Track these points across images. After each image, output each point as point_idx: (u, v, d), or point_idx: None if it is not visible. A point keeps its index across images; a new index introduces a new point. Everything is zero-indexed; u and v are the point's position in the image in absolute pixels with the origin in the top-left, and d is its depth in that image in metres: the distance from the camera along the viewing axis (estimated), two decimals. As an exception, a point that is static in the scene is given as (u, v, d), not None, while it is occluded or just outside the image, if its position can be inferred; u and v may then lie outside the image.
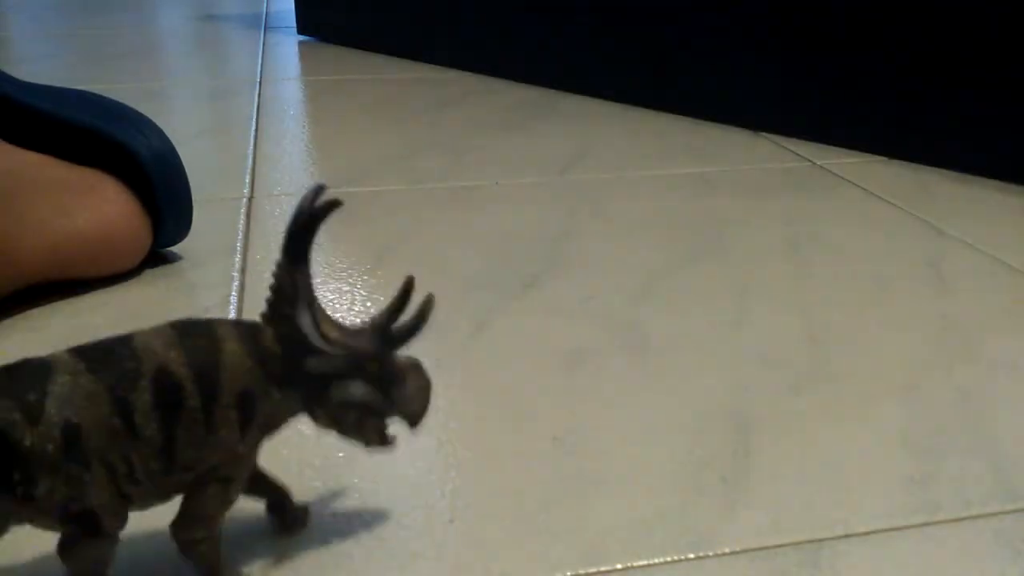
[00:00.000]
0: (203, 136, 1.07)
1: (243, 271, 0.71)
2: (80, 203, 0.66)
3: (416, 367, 0.40)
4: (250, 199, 0.87)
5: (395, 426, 0.43)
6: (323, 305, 0.38)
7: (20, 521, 0.34)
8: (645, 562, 0.42)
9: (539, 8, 1.28)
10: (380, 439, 0.40)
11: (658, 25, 1.16)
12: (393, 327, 0.39)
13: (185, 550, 0.37)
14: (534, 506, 0.45)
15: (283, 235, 0.37)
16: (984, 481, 0.47)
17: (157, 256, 0.73)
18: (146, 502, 0.36)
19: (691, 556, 0.42)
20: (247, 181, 0.92)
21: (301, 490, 0.46)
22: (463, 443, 0.50)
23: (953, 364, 0.59)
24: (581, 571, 0.41)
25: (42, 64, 1.46)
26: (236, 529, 0.43)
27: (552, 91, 1.30)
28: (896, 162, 1.00)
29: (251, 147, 1.03)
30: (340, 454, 0.49)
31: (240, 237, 0.78)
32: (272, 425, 0.38)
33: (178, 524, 0.37)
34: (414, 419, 0.40)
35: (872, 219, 0.84)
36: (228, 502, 0.37)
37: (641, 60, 1.20)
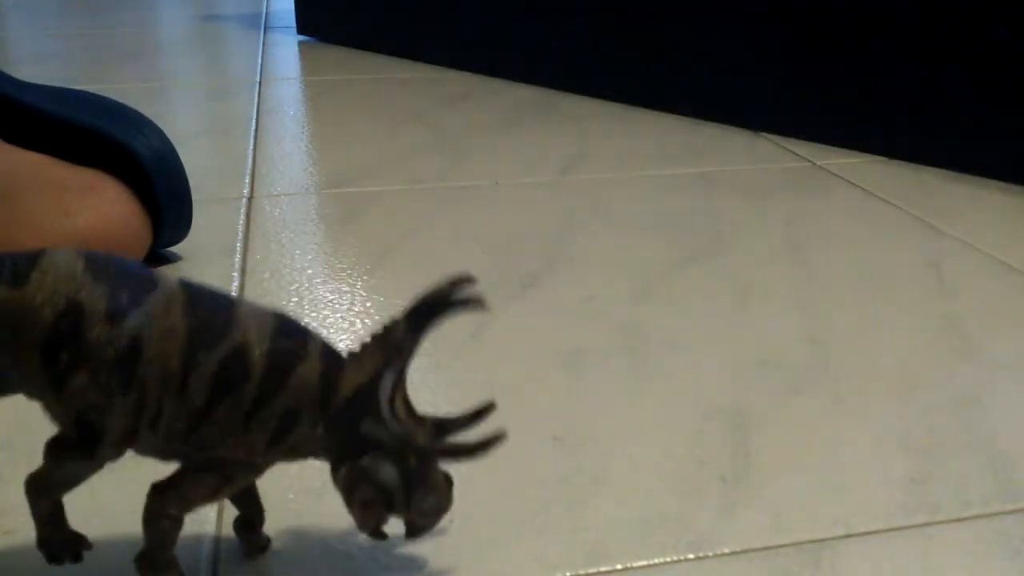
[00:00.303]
0: (203, 136, 1.07)
1: (243, 271, 0.71)
2: (80, 203, 0.66)
3: (447, 485, 0.39)
4: (250, 199, 0.87)
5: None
6: (406, 381, 0.37)
7: (38, 397, 0.34)
8: (645, 562, 0.42)
9: (539, 8, 1.28)
10: (375, 529, 0.38)
11: (658, 25, 1.16)
12: (451, 438, 0.38)
13: (150, 516, 0.36)
14: (534, 506, 0.45)
15: (418, 299, 0.36)
16: (984, 481, 0.47)
17: (157, 256, 0.73)
18: (147, 451, 0.36)
19: (691, 556, 0.42)
20: (247, 181, 0.92)
21: (301, 489, 0.46)
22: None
23: (953, 364, 0.59)
24: (581, 571, 0.41)
25: (42, 64, 1.46)
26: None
27: (552, 91, 1.30)
28: (896, 162, 1.00)
29: (251, 147, 1.03)
30: (340, 454, 0.49)
31: (240, 237, 0.78)
32: (296, 453, 0.37)
33: (160, 489, 0.36)
34: (416, 532, 0.39)
35: (872, 219, 0.84)
36: (215, 498, 0.36)
37: (641, 60, 1.20)
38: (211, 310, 0.34)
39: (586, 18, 1.23)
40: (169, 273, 0.35)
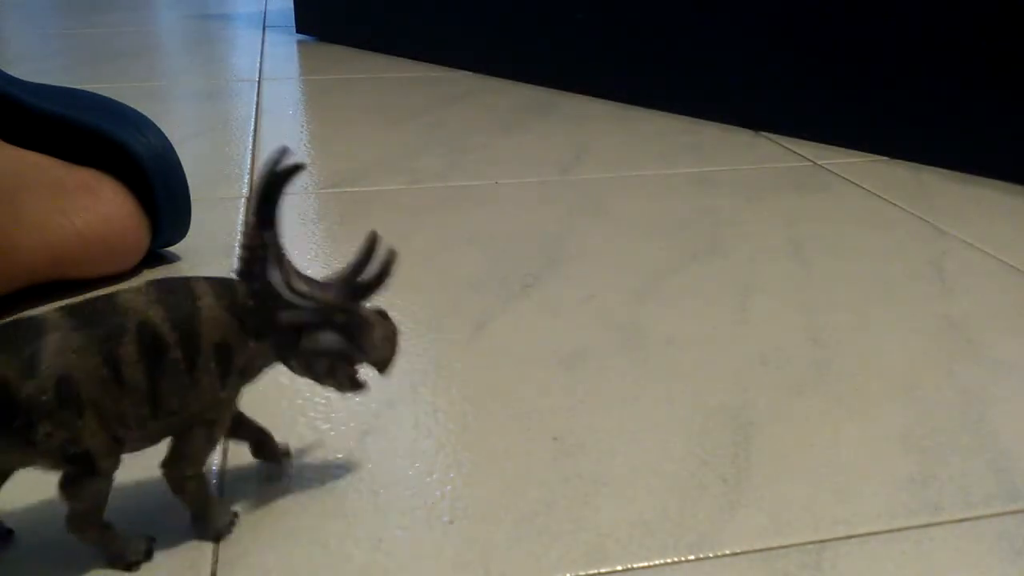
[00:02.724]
0: (202, 136, 1.07)
1: (242, 271, 0.71)
2: (79, 203, 0.66)
3: (382, 316, 0.43)
4: (249, 199, 0.86)
5: (392, 420, 0.43)
6: (293, 262, 0.40)
7: (25, 464, 0.37)
8: (645, 563, 0.41)
9: (539, 8, 1.28)
10: (352, 384, 0.43)
11: (658, 25, 1.16)
12: (358, 280, 0.41)
13: (175, 488, 0.41)
14: (534, 506, 0.45)
15: (252, 198, 0.39)
16: (986, 481, 0.47)
17: (156, 256, 0.73)
18: (138, 445, 0.39)
19: (691, 557, 0.42)
20: (246, 181, 0.91)
21: (299, 494, 0.46)
22: (463, 444, 0.50)
23: (955, 364, 0.59)
24: (581, 572, 0.41)
25: (41, 63, 1.46)
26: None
27: (552, 90, 1.30)
28: (897, 162, 1.00)
29: (250, 147, 1.03)
30: (339, 455, 0.49)
31: (239, 237, 0.77)
32: (250, 372, 0.41)
33: (168, 463, 0.40)
34: (382, 365, 0.43)
35: (873, 219, 0.83)
36: (213, 442, 0.40)
37: (641, 60, 1.20)
38: (98, 314, 0.38)
39: (586, 18, 1.23)
40: (43, 311, 0.38)
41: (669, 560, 0.42)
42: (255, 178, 0.38)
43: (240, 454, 0.48)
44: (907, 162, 1.00)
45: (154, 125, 0.71)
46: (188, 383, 0.38)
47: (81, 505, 0.38)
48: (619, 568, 0.41)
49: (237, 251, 0.41)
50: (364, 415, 0.52)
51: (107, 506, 0.39)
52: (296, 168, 0.39)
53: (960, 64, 0.93)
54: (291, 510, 0.45)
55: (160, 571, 0.41)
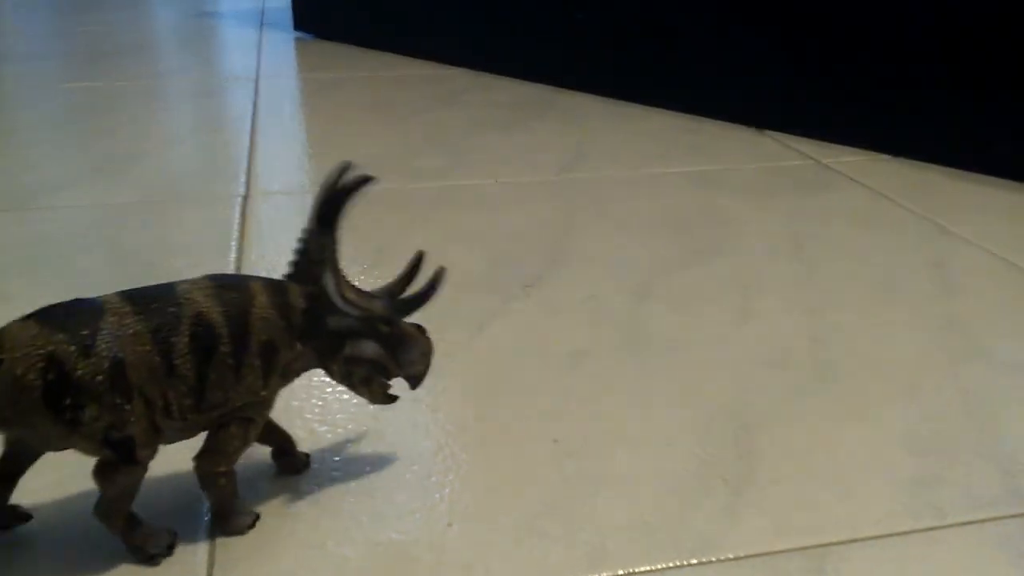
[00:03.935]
0: (199, 133, 1.06)
1: (239, 268, 0.70)
2: None
3: (421, 332, 0.44)
4: (246, 197, 0.86)
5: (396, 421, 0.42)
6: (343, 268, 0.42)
7: (62, 446, 0.38)
8: (647, 567, 0.41)
9: (539, 6, 1.28)
10: (384, 396, 0.44)
11: (659, 23, 1.16)
12: (404, 295, 0.43)
13: (205, 482, 0.41)
14: (534, 509, 0.44)
15: (314, 203, 0.40)
16: (991, 484, 0.47)
17: (154, 256, 0.73)
18: (175, 436, 0.40)
19: (694, 561, 0.41)
20: (243, 179, 0.91)
21: (297, 496, 0.45)
22: (462, 445, 0.49)
23: (958, 364, 0.58)
24: (582, 576, 0.40)
25: (40, 62, 1.45)
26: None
27: (552, 88, 1.29)
28: (900, 160, 0.99)
29: (247, 145, 1.02)
30: (336, 458, 0.48)
31: (236, 235, 0.77)
32: (290, 374, 0.42)
33: (202, 457, 0.41)
34: (416, 380, 0.45)
35: (876, 217, 0.83)
36: (248, 441, 0.41)
37: (641, 58, 1.19)
38: (157, 301, 0.39)
39: (585, 16, 1.22)
40: (105, 294, 0.39)
41: (671, 564, 0.41)
42: (318, 187, 0.41)
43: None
44: (911, 160, 0.99)
45: None
46: (233, 379, 0.39)
47: (114, 492, 0.39)
48: (620, 572, 0.41)
49: (292, 253, 0.42)
50: (362, 417, 0.52)
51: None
52: (365, 180, 0.41)
53: (964, 63, 0.93)
54: (289, 512, 0.44)
55: (157, 572, 0.40)
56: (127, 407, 0.37)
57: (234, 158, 0.97)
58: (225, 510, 0.42)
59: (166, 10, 2.03)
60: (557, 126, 1.10)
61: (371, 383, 0.43)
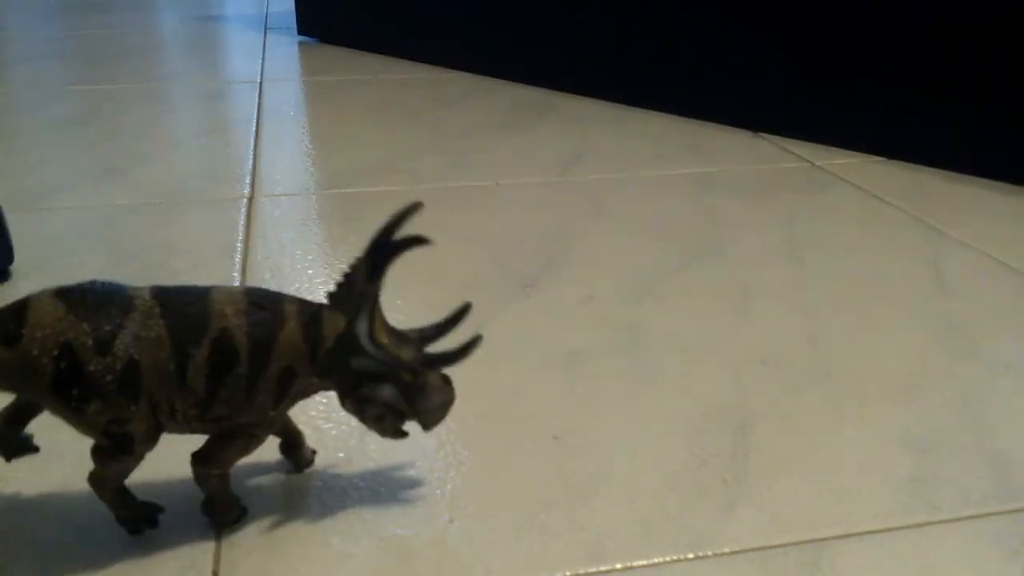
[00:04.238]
0: (203, 136, 1.07)
1: (243, 271, 0.71)
2: None
3: (445, 384, 0.43)
4: (250, 199, 0.87)
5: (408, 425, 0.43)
6: (382, 310, 0.42)
7: (68, 423, 0.38)
8: (645, 562, 0.42)
9: (539, 9, 1.28)
10: (395, 434, 0.43)
11: (658, 26, 1.16)
12: (438, 351, 0.41)
13: (199, 481, 0.42)
14: (534, 506, 0.45)
15: (369, 243, 0.39)
16: (984, 481, 0.47)
17: (158, 257, 0.73)
18: (177, 431, 0.40)
19: (691, 556, 0.42)
20: (247, 181, 0.92)
21: (301, 493, 0.46)
22: (463, 443, 0.50)
23: (953, 364, 0.59)
24: (581, 571, 0.41)
25: (43, 64, 1.46)
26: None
27: (552, 91, 1.30)
28: (895, 163, 1.00)
29: (251, 147, 1.03)
30: (340, 455, 0.49)
31: (240, 237, 0.78)
32: (302, 396, 0.42)
33: (199, 458, 0.41)
34: (429, 425, 0.43)
35: (871, 219, 0.84)
36: (247, 453, 0.41)
37: (641, 61, 1.20)
38: (186, 307, 0.39)
39: (586, 19, 1.23)
40: (144, 285, 0.40)
41: (668, 559, 0.42)
42: (379, 228, 0.40)
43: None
44: (905, 163, 1.00)
45: None
46: (244, 398, 0.39)
47: (108, 473, 0.40)
48: (619, 566, 0.41)
49: (338, 277, 0.41)
50: (365, 415, 0.52)
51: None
52: (419, 241, 0.40)
53: (959, 66, 0.93)
54: (293, 509, 0.45)
55: (162, 569, 0.41)
56: (132, 408, 0.37)
57: (238, 160, 0.98)
58: (215, 501, 0.43)
59: (170, 13, 2.04)
60: (557, 128, 1.11)
61: (383, 422, 0.42)
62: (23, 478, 0.46)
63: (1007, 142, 0.93)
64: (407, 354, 0.41)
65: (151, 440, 0.39)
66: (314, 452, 0.48)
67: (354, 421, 0.52)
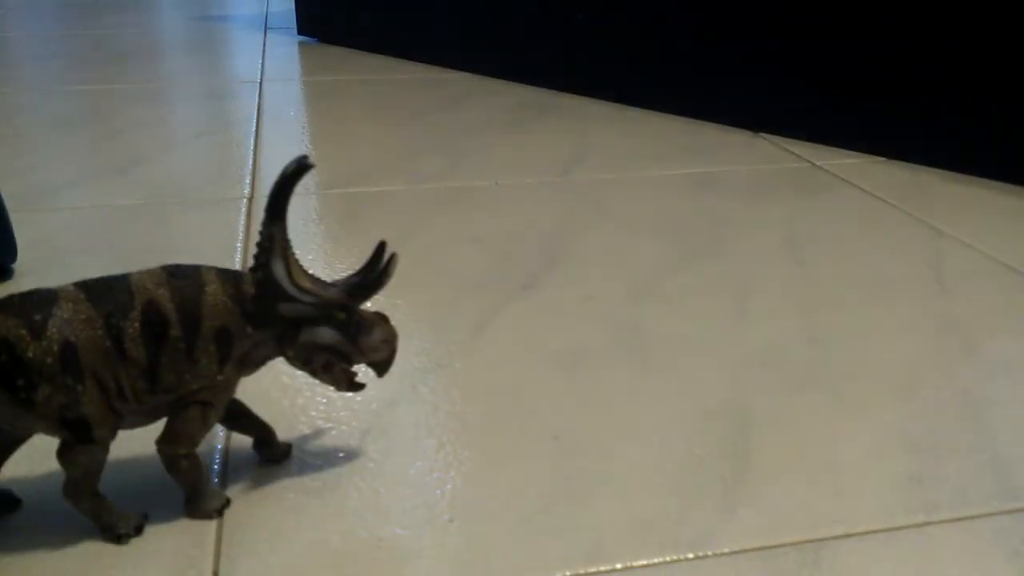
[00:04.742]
0: (204, 136, 1.07)
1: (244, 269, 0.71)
2: None
3: (382, 320, 0.45)
4: (250, 199, 0.87)
5: (400, 433, 0.43)
6: (298, 259, 0.43)
7: (24, 424, 0.39)
8: (645, 561, 0.42)
9: (539, 9, 1.29)
10: (348, 384, 0.45)
11: (658, 26, 1.16)
12: (357, 281, 0.43)
13: (169, 466, 0.43)
14: (534, 505, 0.45)
15: (269, 194, 0.41)
16: (983, 481, 0.47)
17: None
18: (136, 420, 0.41)
19: (691, 556, 0.42)
20: (248, 181, 0.92)
21: (301, 492, 0.46)
22: (463, 442, 0.50)
23: (952, 364, 0.59)
24: (581, 571, 0.41)
25: (43, 65, 1.46)
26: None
27: (552, 91, 1.30)
28: (895, 163, 1.00)
29: (251, 147, 1.03)
30: (340, 454, 0.49)
31: (241, 237, 0.78)
32: (249, 362, 0.43)
33: (163, 440, 0.42)
34: (380, 367, 0.45)
35: (871, 220, 0.84)
36: (207, 425, 0.42)
37: (641, 61, 1.20)
38: (110, 289, 0.40)
39: (586, 19, 1.23)
40: (63, 284, 0.41)
41: (668, 558, 0.42)
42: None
43: (244, 447, 0.49)
44: (905, 163, 1.00)
45: None
46: (186, 363, 0.40)
47: (76, 472, 0.40)
48: (619, 566, 0.41)
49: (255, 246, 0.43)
50: (365, 414, 0.53)
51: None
52: (304, 167, 0.41)
53: (958, 66, 0.93)
54: (293, 508, 0.45)
55: (163, 568, 0.41)
56: (79, 388, 0.38)
57: (239, 160, 0.98)
58: (193, 494, 0.43)
59: (171, 14, 2.04)
60: (557, 129, 1.11)
61: (332, 370, 0.44)
62: (23, 478, 0.46)
63: (1007, 142, 0.93)
64: (332, 293, 0.42)
65: (107, 424, 0.40)
66: (289, 446, 0.48)
67: (355, 421, 0.52)
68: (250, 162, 0.98)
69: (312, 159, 0.42)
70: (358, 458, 0.49)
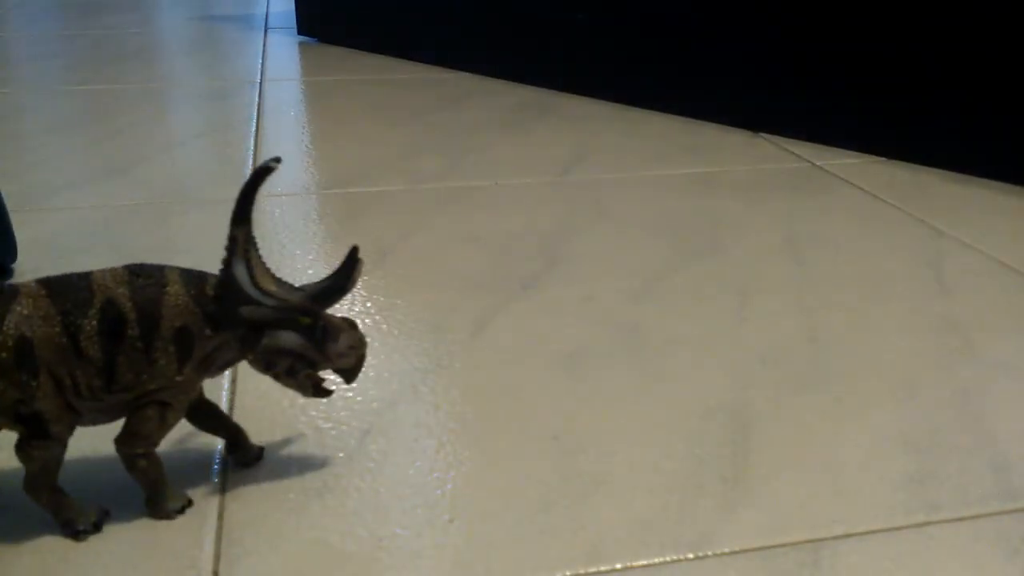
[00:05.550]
0: (203, 136, 1.07)
1: (243, 271, 0.71)
2: None
3: (350, 326, 0.44)
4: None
5: (396, 433, 0.43)
6: (264, 262, 0.43)
7: None
8: (645, 562, 0.42)
9: (539, 9, 1.29)
10: (315, 389, 0.44)
11: (658, 26, 1.16)
12: (322, 285, 0.42)
13: (128, 464, 0.43)
14: (534, 506, 0.45)
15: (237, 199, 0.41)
16: (984, 481, 0.47)
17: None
18: (93, 418, 0.41)
19: (691, 556, 0.42)
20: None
21: (301, 493, 0.46)
22: (463, 443, 0.50)
23: (952, 364, 0.59)
24: (581, 571, 0.41)
25: (43, 65, 1.46)
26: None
27: (552, 91, 1.30)
28: (894, 163, 1.00)
29: (251, 147, 1.03)
30: (340, 454, 0.49)
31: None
32: (212, 364, 0.43)
33: (120, 438, 0.42)
34: (348, 375, 0.45)
35: (871, 219, 0.84)
36: (165, 425, 0.42)
37: (641, 61, 1.20)
38: (70, 286, 0.40)
39: (586, 19, 1.23)
40: (27, 280, 0.41)
41: (668, 559, 0.42)
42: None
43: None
44: (905, 163, 1.00)
45: None
46: (144, 362, 0.40)
47: (34, 467, 0.40)
48: (618, 566, 0.41)
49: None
50: (365, 414, 0.53)
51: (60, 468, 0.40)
52: (266, 170, 0.41)
53: (958, 66, 0.93)
54: (293, 509, 0.45)
55: (163, 568, 0.41)
56: (33, 383, 0.39)
57: (239, 160, 0.98)
58: (153, 494, 0.43)
59: (171, 14, 2.04)
60: (557, 129, 1.11)
61: (296, 375, 0.43)
62: (22, 478, 0.46)
63: (1007, 142, 0.93)
64: (296, 297, 0.42)
65: (63, 421, 0.40)
66: (261, 448, 0.48)
67: (355, 421, 0.52)
68: (250, 162, 0.98)
69: (300, 161, 0.41)
70: (358, 458, 0.49)
